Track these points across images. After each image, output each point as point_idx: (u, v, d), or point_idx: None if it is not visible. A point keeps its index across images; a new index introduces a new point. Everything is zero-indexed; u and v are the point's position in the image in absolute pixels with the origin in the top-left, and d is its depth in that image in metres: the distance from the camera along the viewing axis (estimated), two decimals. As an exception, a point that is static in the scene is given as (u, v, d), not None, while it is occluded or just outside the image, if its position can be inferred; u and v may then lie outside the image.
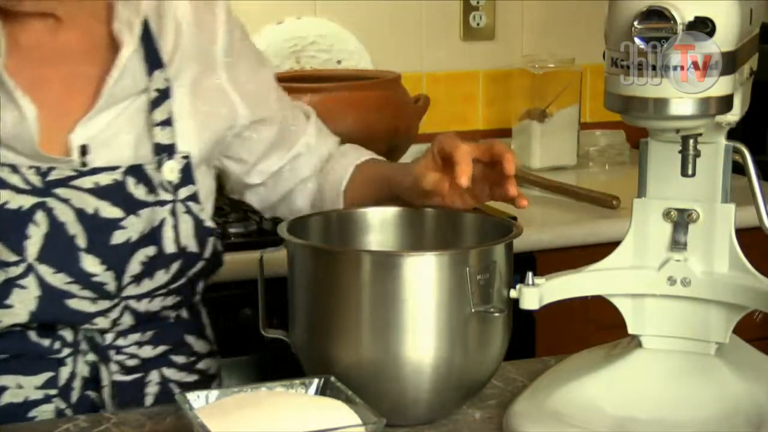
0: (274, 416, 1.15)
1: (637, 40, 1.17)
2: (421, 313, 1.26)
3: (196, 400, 1.20)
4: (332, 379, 1.23)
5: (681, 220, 1.34)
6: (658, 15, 1.16)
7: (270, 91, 1.63)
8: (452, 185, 1.40)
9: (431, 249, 1.41)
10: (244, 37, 1.62)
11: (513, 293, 1.31)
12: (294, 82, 2.41)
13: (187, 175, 1.48)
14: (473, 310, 1.27)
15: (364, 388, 1.22)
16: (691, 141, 1.25)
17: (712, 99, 1.20)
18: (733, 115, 1.27)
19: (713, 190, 1.33)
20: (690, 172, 1.26)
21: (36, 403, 1.44)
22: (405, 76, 2.51)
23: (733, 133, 1.33)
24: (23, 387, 1.44)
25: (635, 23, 1.17)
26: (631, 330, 1.38)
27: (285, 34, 2.62)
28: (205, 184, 1.54)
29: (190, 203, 1.48)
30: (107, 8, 1.48)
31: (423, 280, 1.26)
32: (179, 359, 1.53)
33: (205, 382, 1.56)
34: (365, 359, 1.28)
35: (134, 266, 1.43)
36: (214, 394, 1.21)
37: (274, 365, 1.46)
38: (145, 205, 1.44)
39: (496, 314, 1.29)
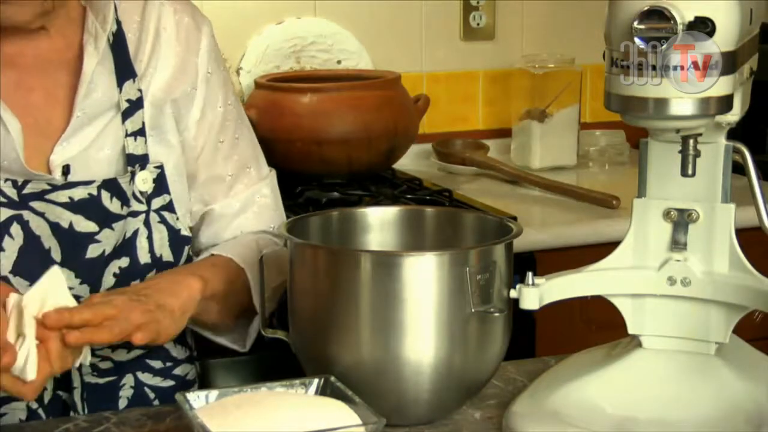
0: (274, 416, 1.16)
1: (637, 40, 1.17)
2: (421, 313, 1.26)
3: (196, 400, 1.20)
4: (332, 379, 1.23)
5: (681, 220, 1.34)
6: (658, 15, 1.16)
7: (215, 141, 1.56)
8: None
9: (431, 249, 1.41)
10: (219, 69, 1.56)
11: (513, 293, 1.31)
12: (294, 82, 2.42)
13: (160, 185, 1.47)
14: (473, 310, 1.27)
15: (364, 388, 1.22)
16: (691, 141, 1.25)
17: (712, 99, 1.20)
18: (733, 115, 1.27)
19: (713, 190, 1.33)
20: (690, 172, 1.26)
21: (7, 400, 1.42)
22: (405, 76, 2.51)
23: (733, 133, 1.33)
24: None
25: (635, 23, 1.17)
26: (631, 330, 1.38)
27: (285, 34, 2.61)
28: (186, 194, 1.52)
29: (165, 213, 1.47)
30: (84, 14, 1.44)
31: (423, 280, 1.26)
32: (155, 364, 1.51)
33: (182, 387, 1.53)
34: (365, 359, 1.28)
35: (108, 279, 1.43)
36: (214, 394, 1.21)
37: (274, 365, 1.46)
38: (119, 218, 1.43)
39: (496, 314, 1.29)
